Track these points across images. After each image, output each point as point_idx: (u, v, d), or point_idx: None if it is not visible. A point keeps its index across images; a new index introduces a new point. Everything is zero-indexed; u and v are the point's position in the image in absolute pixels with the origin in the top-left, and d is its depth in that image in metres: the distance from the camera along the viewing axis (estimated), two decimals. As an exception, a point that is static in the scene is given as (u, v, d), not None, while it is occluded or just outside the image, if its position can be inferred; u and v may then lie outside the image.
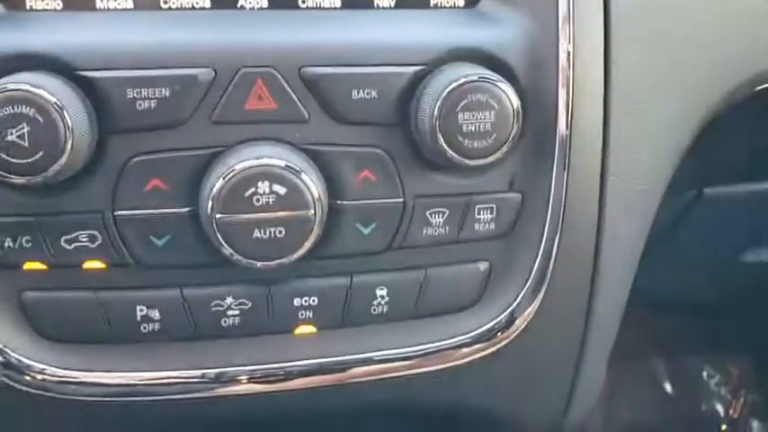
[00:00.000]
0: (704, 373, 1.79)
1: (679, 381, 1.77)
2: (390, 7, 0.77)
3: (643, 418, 1.72)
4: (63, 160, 0.66)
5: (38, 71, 0.67)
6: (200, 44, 0.70)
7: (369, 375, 0.81)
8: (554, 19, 0.76)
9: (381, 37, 0.74)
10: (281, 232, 0.70)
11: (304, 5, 0.75)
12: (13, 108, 0.64)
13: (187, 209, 0.73)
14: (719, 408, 1.76)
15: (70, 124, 0.65)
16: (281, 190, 0.70)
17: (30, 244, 0.72)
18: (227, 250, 0.70)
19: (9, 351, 0.74)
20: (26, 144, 0.65)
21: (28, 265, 0.73)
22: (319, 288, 0.78)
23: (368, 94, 0.73)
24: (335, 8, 0.76)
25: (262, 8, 0.74)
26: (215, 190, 0.69)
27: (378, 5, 0.77)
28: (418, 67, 0.73)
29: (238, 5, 0.74)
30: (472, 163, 0.72)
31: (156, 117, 0.70)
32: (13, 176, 0.66)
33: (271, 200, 0.69)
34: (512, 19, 0.76)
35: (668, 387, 1.77)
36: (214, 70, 0.70)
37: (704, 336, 1.77)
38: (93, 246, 0.73)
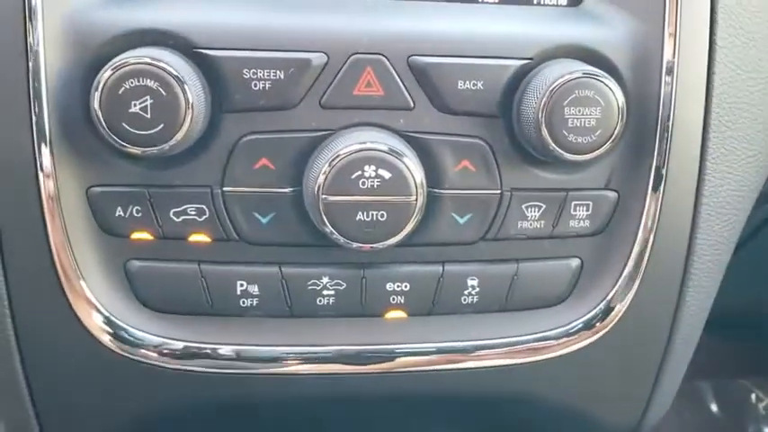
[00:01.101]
0: (753, 396, 1.76)
1: (726, 403, 1.74)
2: (495, 2, 0.78)
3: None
4: (180, 134, 0.68)
5: (157, 47, 0.70)
6: (314, 29, 0.72)
7: (454, 364, 0.82)
8: (660, 18, 0.77)
9: (489, 30, 0.75)
10: (382, 216, 0.72)
11: None
12: (138, 80, 0.67)
13: (291, 189, 0.75)
14: (767, 432, 1.72)
15: (190, 99, 0.67)
16: (386, 174, 0.71)
17: (139, 214, 0.74)
18: (328, 229, 0.72)
19: (113, 318, 0.77)
20: (148, 116, 0.67)
21: (136, 235, 0.76)
22: (412, 274, 0.79)
23: (473, 84, 0.74)
24: (442, 0, 0.77)
25: None
26: (323, 171, 0.70)
27: (483, 0, 0.78)
28: (524, 61, 0.75)
29: None
30: (574, 158, 0.73)
31: (269, 98, 0.72)
32: (131, 147, 0.68)
33: (376, 183, 0.71)
34: (617, 17, 0.77)
35: (715, 409, 1.74)
36: (327, 55, 0.72)
37: (754, 358, 1.74)
38: (200, 219, 0.75)
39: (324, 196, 0.71)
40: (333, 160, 0.71)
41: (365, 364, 0.81)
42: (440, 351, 0.82)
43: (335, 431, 0.95)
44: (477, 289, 0.80)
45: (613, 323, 0.83)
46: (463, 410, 0.91)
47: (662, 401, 0.91)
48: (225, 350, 0.79)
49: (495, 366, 0.82)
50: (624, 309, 0.83)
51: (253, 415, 0.87)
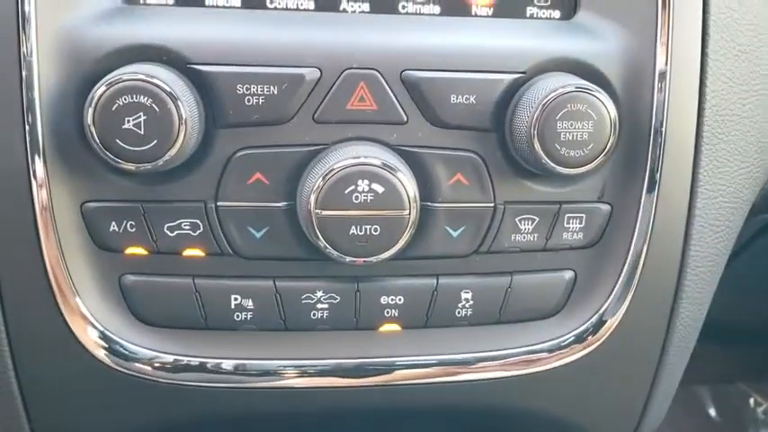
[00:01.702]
0: (751, 401, 1.76)
1: (725, 408, 1.75)
2: (488, 16, 0.78)
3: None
4: (174, 150, 0.68)
5: (151, 63, 0.70)
6: (308, 44, 0.73)
7: (449, 376, 0.82)
8: (652, 32, 0.77)
9: (481, 44, 0.75)
10: (376, 230, 0.72)
11: (404, 11, 0.77)
12: (131, 97, 0.67)
13: (285, 203, 0.75)
14: (766, 436, 1.72)
15: (184, 115, 0.68)
16: (380, 189, 0.71)
17: (134, 229, 0.75)
18: (322, 243, 0.72)
19: (108, 333, 0.77)
20: (141, 132, 0.68)
21: (130, 250, 0.76)
22: (406, 288, 0.80)
23: (466, 98, 0.74)
24: (435, 15, 0.78)
25: (363, 12, 0.77)
26: (317, 186, 0.71)
27: (475, 14, 0.78)
28: (517, 75, 0.75)
29: (341, 9, 0.77)
30: (567, 171, 0.73)
31: (263, 113, 0.72)
32: (124, 163, 0.69)
33: (369, 198, 0.71)
34: (609, 30, 0.77)
35: (713, 414, 1.75)
36: (320, 70, 0.72)
37: (752, 363, 1.74)
38: (195, 234, 0.75)
39: (317, 211, 0.71)
40: (326, 175, 0.71)
41: (359, 377, 0.81)
42: (435, 364, 0.82)
43: None
44: (472, 302, 0.81)
45: (606, 336, 0.83)
46: (458, 422, 0.91)
47: (656, 413, 0.91)
48: (220, 364, 0.79)
49: (489, 379, 0.83)
50: (617, 321, 0.83)
51: (248, 429, 0.87)
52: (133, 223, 0.74)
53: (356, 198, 0.71)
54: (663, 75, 0.77)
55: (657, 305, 0.84)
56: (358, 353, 0.81)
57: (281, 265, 0.77)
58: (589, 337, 0.83)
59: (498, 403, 0.86)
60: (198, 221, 0.75)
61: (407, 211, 0.72)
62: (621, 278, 0.82)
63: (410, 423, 0.91)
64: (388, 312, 0.80)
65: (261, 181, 0.74)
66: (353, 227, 0.72)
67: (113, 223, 0.74)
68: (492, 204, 0.78)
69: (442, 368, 0.82)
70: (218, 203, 0.74)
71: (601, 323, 0.83)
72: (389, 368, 0.81)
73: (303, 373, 0.80)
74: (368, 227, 0.72)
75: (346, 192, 0.71)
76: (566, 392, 0.86)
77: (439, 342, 0.82)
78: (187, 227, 0.75)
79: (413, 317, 0.81)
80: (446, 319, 0.81)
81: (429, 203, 0.76)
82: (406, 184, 0.72)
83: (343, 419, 0.87)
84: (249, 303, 0.78)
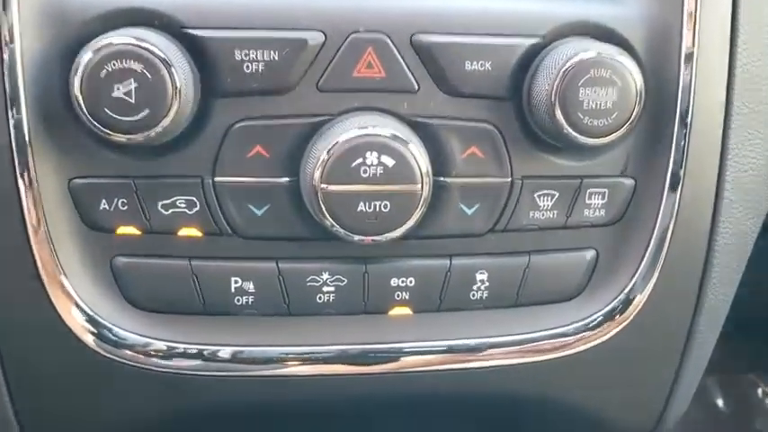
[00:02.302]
0: (759, 391, 1.73)
1: (733, 398, 1.71)
2: None
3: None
4: (167, 120, 0.63)
5: (142, 27, 0.65)
6: (310, 6, 0.67)
7: (463, 363, 0.77)
8: None
9: (498, 6, 0.70)
10: (386, 206, 0.67)
11: None
12: (121, 63, 0.62)
13: (287, 178, 0.70)
14: (774, 426, 1.69)
15: (178, 83, 0.63)
16: (390, 162, 0.66)
17: (125, 207, 0.70)
18: (328, 221, 0.67)
19: (97, 317, 0.72)
20: (132, 101, 0.63)
21: (122, 230, 0.71)
22: (417, 269, 0.75)
23: (481, 65, 0.69)
24: None
25: None
26: (322, 159, 0.66)
27: None
28: (535, 40, 0.70)
29: None
30: (590, 141, 0.68)
31: (264, 81, 0.67)
32: (114, 134, 0.64)
33: (378, 171, 0.66)
34: None
35: (721, 404, 1.71)
36: (324, 34, 0.67)
37: (761, 353, 1.70)
38: (191, 212, 0.70)
39: (323, 186, 0.66)
40: (332, 147, 0.66)
41: (369, 365, 0.76)
42: (448, 350, 0.77)
43: None
44: (487, 283, 0.76)
45: (631, 318, 0.78)
46: (472, 412, 0.86)
47: (681, 401, 0.87)
48: (219, 351, 0.74)
49: (506, 366, 0.78)
50: (643, 302, 0.78)
51: (249, 419, 0.82)
52: (125, 201, 0.69)
53: (364, 172, 0.66)
54: (690, 42, 0.72)
55: (685, 284, 0.80)
56: (366, 338, 0.76)
57: (284, 245, 0.72)
58: (614, 319, 0.78)
59: (514, 392, 0.81)
60: (194, 198, 0.70)
61: (419, 186, 0.67)
62: (647, 256, 0.77)
63: (421, 413, 0.86)
64: (398, 295, 0.75)
65: (261, 154, 0.69)
66: (362, 203, 0.67)
67: (103, 201, 0.69)
68: (509, 179, 0.73)
69: (455, 355, 0.77)
70: (216, 179, 0.69)
71: (626, 304, 0.78)
72: (400, 354, 0.76)
73: (307, 361, 0.75)
74: (377, 203, 0.67)
75: (353, 165, 0.66)
76: (587, 379, 0.82)
77: (452, 326, 0.77)
78: (182, 204, 0.70)
79: (425, 300, 0.75)
80: (460, 302, 0.76)
81: (442, 178, 0.71)
82: (418, 157, 0.67)
83: (350, 409, 0.82)
84: (250, 286, 0.73)
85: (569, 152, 0.73)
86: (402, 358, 0.76)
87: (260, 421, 0.84)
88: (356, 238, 0.68)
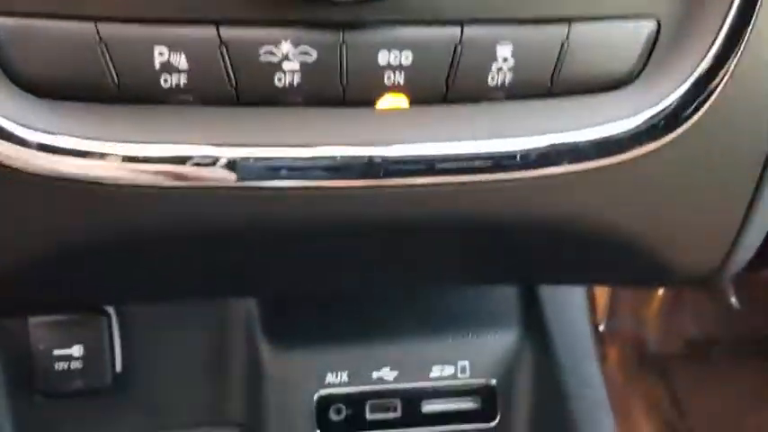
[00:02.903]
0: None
1: (747, 297, 1.56)
2: None
3: (707, 332, 1.57)
4: None
5: None
6: None
7: (477, 174, 0.58)
8: None
9: None
10: None
11: None
12: None
13: None
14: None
15: None
16: None
17: None
18: None
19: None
20: None
21: (-2, -21, 0.50)
22: (416, 40, 0.54)
23: None
24: None
25: None
26: None
27: None
28: None
29: None
30: None
31: None
32: None
33: None
34: None
35: (734, 302, 1.57)
36: None
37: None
38: None
39: None
40: None
41: (346, 178, 0.56)
42: (458, 158, 0.57)
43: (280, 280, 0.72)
44: (512, 62, 0.55)
45: (697, 116, 0.58)
46: (486, 245, 0.68)
47: (753, 234, 0.68)
48: (142, 151, 0.54)
49: (534, 177, 0.58)
50: (715, 95, 0.58)
51: (177, 250, 0.63)
52: None
53: None
54: None
55: None
56: (344, 139, 0.56)
57: (228, 3, 0.52)
58: (682, 112, 0.57)
59: (542, 215, 0.62)
60: None
61: None
62: (725, 30, 0.56)
63: (421, 245, 0.67)
64: (389, 78, 0.54)
65: None
66: None
67: None
68: None
69: (467, 162, 0.57)
70: None
71: (697, 92, 0.57)
72: (391, 162, 0.56)
73: (263, 168, 0.55)
74: None
75: None
76: (638, 198, 0.62)
77: (464, 124, 0.57)
78: None
79: (426, 85, 0.55)
80: (474, 89, 0.55)
81: None
82: None
83: (321, 241, 0.63)
84: (181, 60, 0.52)
85: None
86: (394, 168, 0.57)
87: (190, 255, 0.65)
88: None
